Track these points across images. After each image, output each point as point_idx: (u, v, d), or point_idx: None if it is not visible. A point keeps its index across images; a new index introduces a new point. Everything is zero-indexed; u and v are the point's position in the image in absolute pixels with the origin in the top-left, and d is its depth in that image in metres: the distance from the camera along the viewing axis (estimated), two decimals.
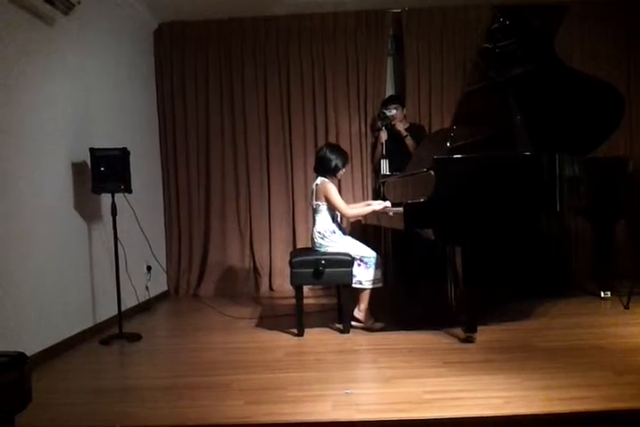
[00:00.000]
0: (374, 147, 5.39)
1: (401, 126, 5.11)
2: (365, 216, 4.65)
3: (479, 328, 3.36)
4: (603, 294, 4.31)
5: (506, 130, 3.74)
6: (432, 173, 3.36)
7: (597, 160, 3.95)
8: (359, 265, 3.72)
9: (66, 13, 3.61)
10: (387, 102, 5.17)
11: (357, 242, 3.88)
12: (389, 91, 5.56)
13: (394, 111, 5.07)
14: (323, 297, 4.96)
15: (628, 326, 3.55)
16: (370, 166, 5.47)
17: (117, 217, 3.81)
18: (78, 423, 2.39)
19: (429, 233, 3.40)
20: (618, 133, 4.47)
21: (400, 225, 3.40)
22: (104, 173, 3.71)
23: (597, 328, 3.53)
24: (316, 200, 3.88)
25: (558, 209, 3.42)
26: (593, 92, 4.01)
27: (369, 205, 3.99)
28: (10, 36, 3.15)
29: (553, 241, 5.20)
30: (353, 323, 3.74)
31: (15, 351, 2.10)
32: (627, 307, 3.97)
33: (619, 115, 4.09)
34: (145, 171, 4.91)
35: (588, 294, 4.47)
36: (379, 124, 5.18)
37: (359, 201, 5.30)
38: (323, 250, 3.82)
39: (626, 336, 3.34)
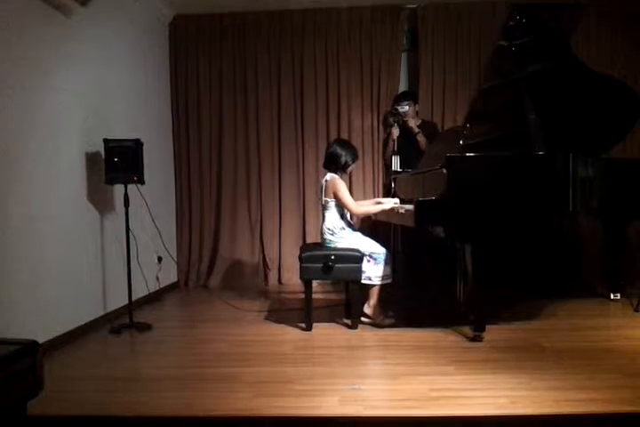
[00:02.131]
0: (386, 143, 5.38)
1: (413, 123, 5.09)
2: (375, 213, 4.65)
3: (487, 327, 3.35)
4: (612, 296, 4.30)
5: (520, 128, 3.72)
6: (444, 170, 3.35)
7: (611, 161, 3.91)
8: (368, 261, 3.73)
9: (83, 4, 3.63)
10: (399, 98, 5.15)
11: (367, 238, 3.88)
12: (403, 87, 5.54)
13: (406, 107, 5.05)
14: (331, 292, 4.97)
15: (638, 329, 3.54)
16: (381, 162, 5.46)
17: (129, 208, 3.83)
18: (88, 412, 2.42)
19: (440, 231, 3.40)
20: (632, 134, 4.44)
21: (410, 222, 3.39)
22: (117, 163, 3.73)
23: (606, 330, 3.53)
24: (326, 196, 3.88)
25: (571, 209, 3.40)
26: (608, 91, 3.96)
27: (378, 203, 3.98)
28: (27, 27, 3.17)
29: (564, 241, 5.17)
30: (362, 319, 3.75)
31: (27, 339, 2.13)
32: (636, 310, 3.95)
33: (634, 115, 4.05)
34: (158, 162, 4.94)
35: (598, 295, 4.45)
36: (391, 120, 5.17)
37: (370, 197, 5.31)
38: (332, 246, 3.83)
39: (635, 339, 3.33)
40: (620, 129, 4.08)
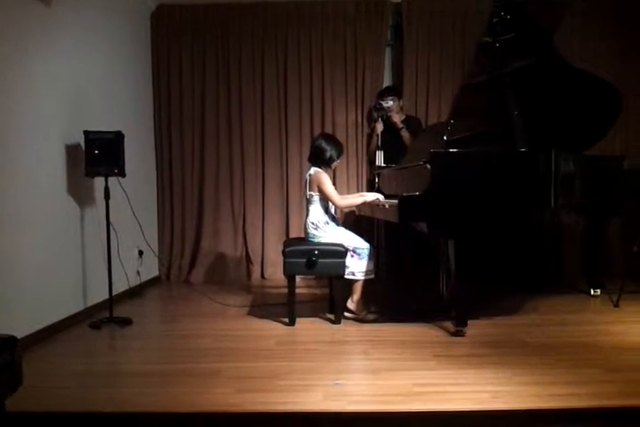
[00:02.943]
0: (370, 138, 5.37)
1: (397, 118, 5.09)
2: (359, 207, 4.64)
3: (469, 322, 3.37)
4: (593, 292, 4.35)
5: (503, 125, 3.73)
6: (428, 166, 3.35)
7: (593, 158, 3.95)
8: (352, 256, 3.72)
9: None
10: (383, 93, 5.15)
11: (351, 233, 3.87)
12: (387, 82, 5.54)
13: (390, 102, 5.05)
14: (314, 287, 4.96)
15: (618, 324, 3.58)
16: (365, 157, 5.46)
17: (110, 201, 3.78)
18: (66, 407, 2.38)
19: (423, 226, 3.40)
20: (614, 132, 4.48)
21: (394, 217, 3.40)
22: (98, 156, 3.67)
23: (587, 325, 3.56)
24: (310, 190, 3.86)
25: (552, 206, 3.43)
26: (591, 88, 4.00)
27: (362, 196, 3.98)
28: (5, 16, 3.09)
29: (545, 237, 5.22)
30: (346, 314, 3.75)
31: (6, 334, 2.08)
32: (616, 305, 3.99)
33: (616, 113, 4.09)
34: (139, 155, 4.87)
35: (578, 291, 4.50)
36: (375, 115, 5.17)
37: (353, 191, 5.31)
38: (316, 240, 3.81)
39: (616, 334, 3.37)
40: (602, 126, 4.12)
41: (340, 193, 3.96)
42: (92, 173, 3.73)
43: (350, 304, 3.76)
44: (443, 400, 2.39)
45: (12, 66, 3.16)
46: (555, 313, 3.91)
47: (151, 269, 5.28)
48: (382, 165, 4.96)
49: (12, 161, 3.15)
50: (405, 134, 5.04)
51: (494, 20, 3.86)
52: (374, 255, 3.82)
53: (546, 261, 5.15)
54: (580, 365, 2.79)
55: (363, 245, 3.75)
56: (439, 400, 2.39)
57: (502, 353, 3.01)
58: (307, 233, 3.89)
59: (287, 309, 3.71)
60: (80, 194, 3.87)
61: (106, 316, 3.77)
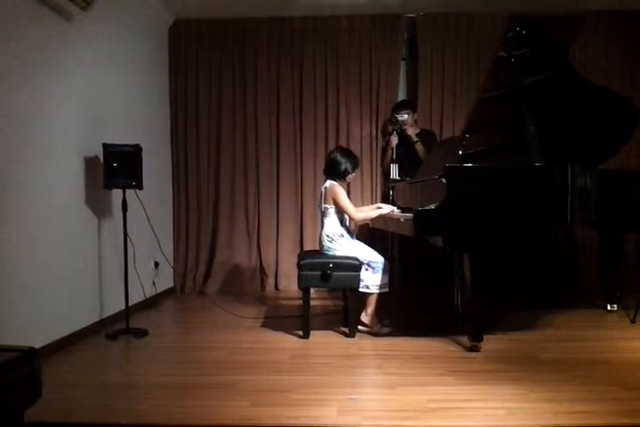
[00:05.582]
0: (384, 151, 5.39)
1: (412, 131, 5.12)
2: (373, 220, 4.64)
3: (485, 337, 3.34)
4: (609, 307, 4.31)
5: (518, 139, 3.74)
6: (443, 180, 3.36)
7: (609, 172, 3.93)
8: (367, 269, 3.73)
9: (84, 9, 3.63)
10: (398, 107, 5.18)
11: (365, 246, 3.88)
12: (401, 95, 5.57)
13: (405, 116, 5.08)
14: (328, 299, 4.96)
15: (635, 341, 3.54)
16: (380, 170, 5.48)
17: (127, 213, 3.82)
18: (83, 419, 2.40)
19: (438, 240, 3.40)
20: (629, 146, 4.46)
21: (409, 231, 3.40)
22: (116, 168, 3.72)
23: (604, 342, 3.53)
24: (325, 203, 3.88)
25: (569, 222, 3.41)
26: (605, 103, 3.99)
27: (378, 208, 4.00)
28: (28, 30, 3.17)
29: (561, 251, 5.18)
30: (360, 327, 3.75)
31: (26, 346, 2.11)
32: (633, 321, 3.95)
33: (631, 128, 4.08)
34: (155, 167, 4.93)
35: (595, 306, 4.46)
36: (390, 128, 5.19)
37: (368, 204, 5.32)
38: (331, 253, 3.82)
39: (633, 351, 3.33)
40: (617, 141, 4.10)
41: (355, 206, 3.97)
42: (110, 186, 3.78)
43: (364, 318, 3.76)
44: (458, 417, 2.38)
45: (32, 79, 3.22)
46: (571, 328, 3.88)
47: (166, 280, 5.31)
48: (397, 178, 4.97)
49: (32, 173, 3.21)
50: (420, 148, 5.06)
51: (509, 34, 3.86)
52: (389, 269, 3.81)
53: (562, 275, 5.11)
54: (596, 382, 2.76)
55: (377, 259, 3.76)
56: (454, 417, 2.38)
57: (518, 369, 2.99)
58: (321, 246, 3.90)
59: (301, 321, 3.72)
60: (98, 206, 3.92)
61: (122, 327, 3.80)
